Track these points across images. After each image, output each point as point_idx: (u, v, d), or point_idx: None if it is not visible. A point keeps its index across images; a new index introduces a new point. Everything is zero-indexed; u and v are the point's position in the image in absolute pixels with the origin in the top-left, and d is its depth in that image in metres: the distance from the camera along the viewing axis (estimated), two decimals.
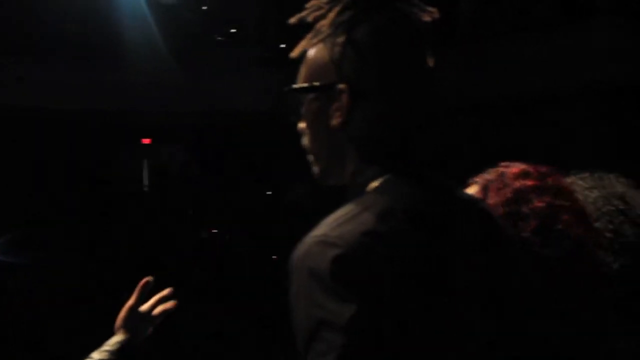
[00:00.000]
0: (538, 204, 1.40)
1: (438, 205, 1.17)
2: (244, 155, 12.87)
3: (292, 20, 1.31)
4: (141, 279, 1.86)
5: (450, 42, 10.20)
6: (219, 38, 13.51)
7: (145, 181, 13.75)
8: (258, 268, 9.89)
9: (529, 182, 1.44)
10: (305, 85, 1.26)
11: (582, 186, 1.64)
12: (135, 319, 1.81)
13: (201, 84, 12.43)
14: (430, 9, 1.29)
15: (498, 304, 1.19)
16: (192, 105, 12.39)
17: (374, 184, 1.18)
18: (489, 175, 1.50)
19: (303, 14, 1.29)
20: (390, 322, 1.03)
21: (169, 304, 1.86)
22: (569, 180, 1.69)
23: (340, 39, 1.22)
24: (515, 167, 1.49)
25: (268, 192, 12.86)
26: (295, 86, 1.29)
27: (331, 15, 1.24)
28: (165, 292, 1.87)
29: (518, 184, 1.44)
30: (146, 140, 13.59)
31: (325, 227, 1.10)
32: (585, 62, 9.14)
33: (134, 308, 1.81)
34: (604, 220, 1.54)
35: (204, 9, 13.14)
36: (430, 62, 1.27)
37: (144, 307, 1.83)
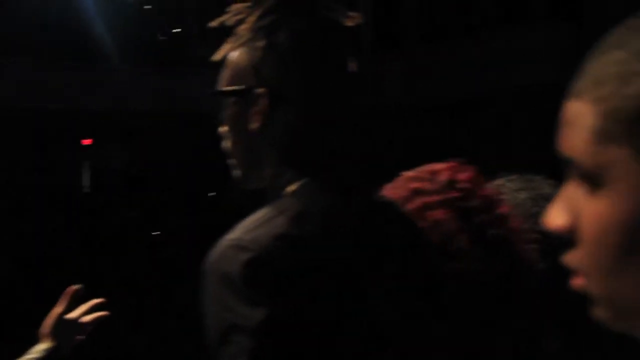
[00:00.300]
0: (410, 205, 1.43)
1: (354, 210, 1.19)
2: (186, 156, 12.79)
3: (213, 24, 1.31)
4: (79, 282, 1.83)
5: (393, 47, 10.31)
6: (162, 38, 13.42)
7: (86, 183, 13.57)
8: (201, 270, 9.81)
9: (414, 185, 1.47)
10: (225, 89, 1.27)
11: (511, 188, 1.67)
12: (62, 326, 1.77)
13: (144, 83, 12.33)
14: (352, 14, 1.31)
15: (414, 308, 1.20)
16: (134, 106, 12.27)
17: (292, 187, 1.19)
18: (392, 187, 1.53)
19: (224, 17, 1.30)
20: (300, 327, 1.04)
21: (101, 313, 1.83)
22: (497, 182, 1.72)
23: (261, 44, 1.23)
24: (410, 173, 1.52)
25: (211, 194, 12.82)
26: (215, 90, 1.29)
27: (251, 19, 1.25)
28: (97, 300, 1.84)
29: (404, 191, 1.47)
30: (87, 141, 13.41)
31: (240, 230, 1.11)
32: (522, 63, 9.31)
33: (61, 315, 1.77)
34: (531, 221, 1.56)
35: (147, 9, 13.03)
36: (353, 67, 1.28)
37: (73, 315, 1.80)
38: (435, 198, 1.44)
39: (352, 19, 1.30)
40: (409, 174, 1.52)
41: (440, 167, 1.51)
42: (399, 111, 10.54)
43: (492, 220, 1.44)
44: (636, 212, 0.56)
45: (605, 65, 0.58)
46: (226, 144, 1.31)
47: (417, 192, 1.46)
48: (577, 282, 0.62)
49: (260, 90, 1.22)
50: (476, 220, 1.42)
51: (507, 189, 1.66)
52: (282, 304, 1.03)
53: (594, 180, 0.58)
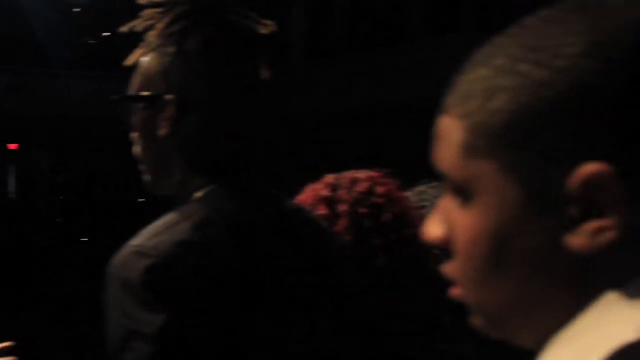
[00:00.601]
0: (321, 212, 1.46)
1: (260, 217, 1.19)
2: (115, 162, 12.61)
3: (124, 29, 1.31)
4: (4, 290, 1.79)
5: (324, 54, 10.38)
6: (91, 42, 13.22)
7: (12, 188, 13.27)
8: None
9: (329, 193, 1.50)
10: (134, 95, 1.27)
11: (432, 195, 1.70)
12: None
13: (73, 88, 12.12)
14: (266, 22, 1.31)
15: (321, 312, 1.22)
16: (62, 110, 12.05)
17: (199, 194, 1.19)
18: (311, 190, 1.56)
19: (134, 23, 1.29)
20: (200, 333, 1.04)
21: (8, 359, 1.81)
22: (419, 188, 1.75)
23: (171, 50, 1.23)
24: (331, 179, 1.55)
25: (141, 200, 12.66)
26: (124, 95, 1.29)
27: (160, 26, 1.25)
28: (6, 344, 1.81)
29: (320, 197, 1.50)
30: (13, 146, 13.13)
31: (143, 236, 1.11)
32: (451, 71, 9.48)
33: None
34: None
35: (77, 12, 12.82)
36: (266, 75, 1.29)
37: None
38: (344, 208, 1.47)
39: (266, 27, 1.31)
40: (330, 179, 1.55)
41: (362, 176, 1.54)
42: (331, 117, 10.61)
43: (403, 239, 1.47)
44: (502, 224, 0.58)
45: (471, 81, 0.61)
46: (136, 149, 1.30)
47: (330, 200, 1.49)
48: (455, 291, 0.64)
49: (169, 96, 1.22)
50: (380, 240, 1.45)
51: (429, 196, 1.69)
52: (181, 311, 1.03)
53: (464, 193, 0.61)
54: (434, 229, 0.64)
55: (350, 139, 10.48)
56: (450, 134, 0.61)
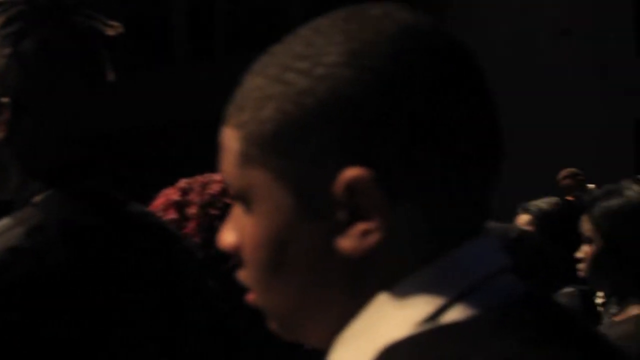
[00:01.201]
0: (169, 216, 1.48)
1: (97, 221, 1.18)
2: None
3: None
4: None
5: (207, 57, 10.30)
6: None
7: None
8: None
9: (178, 197, 1.52)
10: None
11: None
12: None
13: None
14: (114, 23, 1.30)
15: (162, 316, 1.21)
16: None
17: (37, 198, 1.17)
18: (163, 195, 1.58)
19: None
20: (27, 341, 1.02)
21: None
22: None
23: (6, 51, 1.20)
24: (183, 182, 1.57)
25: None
26: None
27: None
28: None
29: (170, 200, 1.52)
30: None
31: None
32: None
33: None
34: None
35: None
36: (111, 77, 1.28)
37: None
38: (193, 211, 1.48)
39: (112, 29, 1.29)
40: (182, 183, 1.55)
41: (216, 178, 1.55)
42: (216, 119, 10.56)
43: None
44: (278, 230, 0.60)
45: (246, 91, 0.62)
46: None
47: (180, 204, 1.50)
48: (250, 297, 0.65)
49: (4, 99, 1.19)
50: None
51: None
52: (8, 319, 1.01)
53: (244, 201, 0.62)
54: (226, 236, 0.65)
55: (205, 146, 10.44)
56: (229, 143, 0.62)
